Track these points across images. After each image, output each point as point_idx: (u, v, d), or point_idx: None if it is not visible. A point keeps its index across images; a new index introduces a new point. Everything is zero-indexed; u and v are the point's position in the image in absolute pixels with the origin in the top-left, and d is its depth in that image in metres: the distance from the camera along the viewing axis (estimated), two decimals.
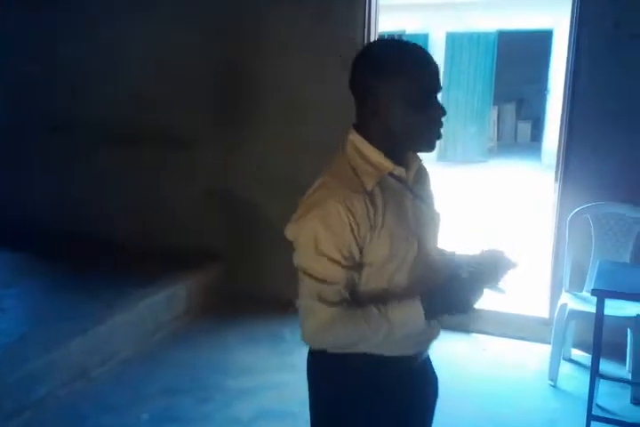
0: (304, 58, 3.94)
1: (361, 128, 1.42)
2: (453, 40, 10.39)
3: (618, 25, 3.32)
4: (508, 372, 3.39)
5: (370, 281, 1.40)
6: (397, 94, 1.34)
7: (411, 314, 1.35)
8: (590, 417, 2.68)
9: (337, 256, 1.33)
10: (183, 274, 3.98)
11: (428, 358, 1.62)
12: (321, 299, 1.33)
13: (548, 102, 10.30)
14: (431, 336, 1.53)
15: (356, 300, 1.39)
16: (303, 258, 1.38)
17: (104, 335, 3.29)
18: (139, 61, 4.34)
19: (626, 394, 3.08)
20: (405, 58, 1.35)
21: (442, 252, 1.59)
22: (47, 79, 4.62)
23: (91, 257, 4.18)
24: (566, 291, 3.38)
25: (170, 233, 4.38)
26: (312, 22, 3.87)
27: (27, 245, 4.35)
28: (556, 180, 3.63)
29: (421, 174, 1.55)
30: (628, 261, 3.33)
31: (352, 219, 1.31)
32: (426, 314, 1.35)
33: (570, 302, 3.25)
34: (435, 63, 1.38)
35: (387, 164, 1.40)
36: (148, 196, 4.44)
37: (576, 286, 3.40)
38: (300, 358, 3.75)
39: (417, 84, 1.34)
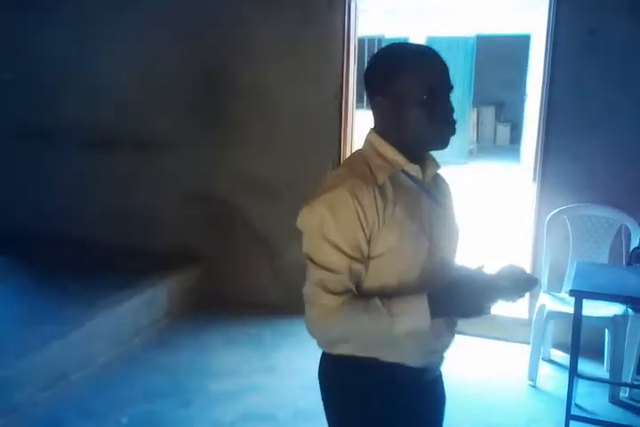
0: (285, 60, 3.94)
1: (377, 128, 1.46)
2: (433, 45, 10.37)
3: (593, 32, 3.37)
4: (487, 372, 3.41)
5: (378, 276, 1.38)
6: (405, 92, 1.37)
7: (415, 309, 1.31)
8: (569, 417, 2.71)
9: (342, 244, 1.32)
10: (163, 276, 3.96)
11: (440, 377, 1.59)
12: (324, 287, 1.33)
13: (526, 106, 10.42)
14: (442, 346, 1.49)
15: (362, 295, 1.37)
16: (309, 243, 1.37)
17: (83, 339, 3.25)
18: (116, 65, 4.31)
19: (604, 393, 3.12)
20: (412, 57, 1.39)
21: (460, 266, 1.55)
22: (22, 85, 4.58)
23: (69, 260, 4.13)
24: (545, 292, 3.41)
25: (150, 236, 4.35)
26: (294, 25, 3.88)
27: (4, 248, 4.29)
28: (534, 182, 3.67)
29: (440, 183, 1.56)
30: (606, 261, 3.37)
31: (359, 207, 1.32)
32: (432, 312, 1.30)
33: (548, 302, 3.28)
34: (442, 62, 1.41)
35: (400, 160, 1.41)
36: (128, 198, 4.41)
37: (554, 286, 3.44)
38: (280, 360, 3.77)
39: (423, 82, 1.36)
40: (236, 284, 4.20)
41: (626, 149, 3.41)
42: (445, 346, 1.51)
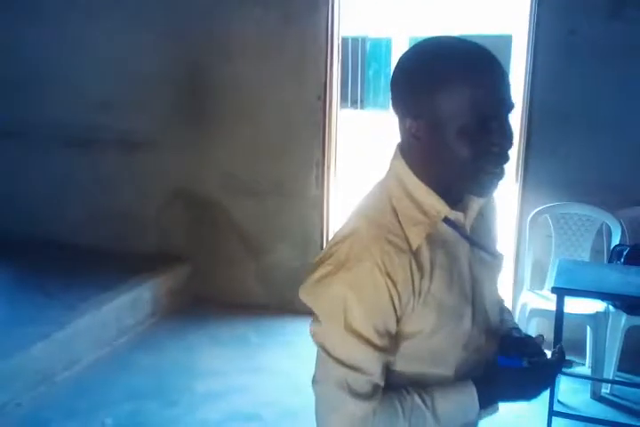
0: (269, 60, 3.94)
1: (406, 156, 1.09)
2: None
3: (573, 32, 3.42)
4: None
5: (410, 360, 1.09)
6: (442, 116, 0.99)
7: (464, 406, 1.07)
8: (551, 413, 2.74)
9: (371, 335, 1.02)
10: (148, 277, 3.94)
11: None
12: (350, 390, 1.02)
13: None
14: (484, 414, 1.18)
15: (390, 382, 1.07)
16: (327, 334, 1.05)
17: (67, 340, 3.24)
18: (97, 63, 4.28)
19: (586, 390, 3.16)
20: (464, 65, 0.99)
21: (502, 318, 1.27)
22: (2, 84, 4.53)
23: (51, 261, 4.11)
24: (527, 290, 3.45)
25: (134, 236, 4.34)
26: (277, 25, 3.88)
27: None
28: (516, 181, 3.71)
29: (485, 208, 1.19)
30: (588, 259, 3.42)
31: (392, 287, 1.00)
32: (481, 403, 1.08)
33: (531, 300, 3.32)
34: (503, 72, 1.01)
35: (441, 207, 1.07)
36: (112, 198, 4.39)
37: (537, 284, 3.47)
38: (266, 360, 3.78)
39: (475, 103, 0.97)
40: (221, 284, 4.20)
41: (606, 148, 3.46)
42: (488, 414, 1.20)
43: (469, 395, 1.07)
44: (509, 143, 1.01)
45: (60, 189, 4.52)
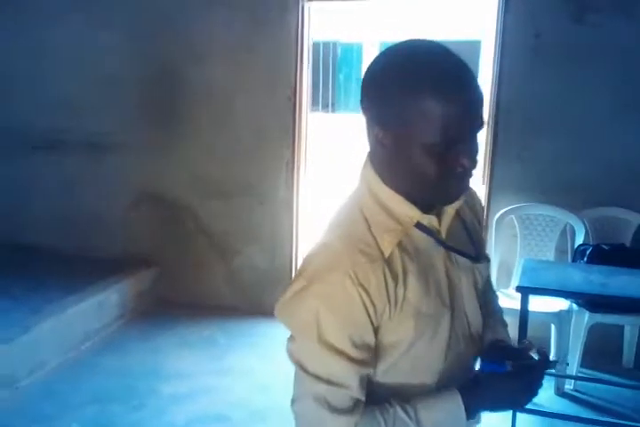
0: (238, 62, 3.94)
1: (375, 164, 1.07)
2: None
3: (538, 35, 3.49)
4: None
5: (390, 371, 1.06)
6: (410, 130, 0.95)
7: (450, 415, 1.04)
8: (516, 409, 2.78)
9: (347, 347, 0.99)
10: (114, 280, 3.91)
11: None
12: (329, 406, 1.00)
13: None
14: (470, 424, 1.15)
15: (370, 395, 1.04)
16: (301, 350, 1.03)
17: (31, 344, 3.19)
18: (62, 65, 4.24)
19: (550, 386, 3.21)
20: (431, 78, 0.94)
21: (496, 329, 1.24)
22: None
23: (16, 264, 4.05)
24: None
25: (100, 239, 4.29)
26: (247, 27, 3.89)
27: None
28: (482, 183, 3.76)
29: (463, 207, 1.16)
30: (552, 259, 3.48)
31: (365, 296, 0.98)
32: (467, 411, 1.04)
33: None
34: (475, 86, 0.96)
35: (412, 213, 1.04)
36: (77, 201, 4.34)
37: (503, 283, 3.52)
38: (234, 361, 3.76)
39: (440, 122, 0.93)
40: (189, 286, 4.18)
41: (570, 150, 3.53)
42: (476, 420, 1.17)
43: (455, 403, 1.04)
44: (474, 164, 0.99)
45: (25, 191, 4.45)
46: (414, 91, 0.93)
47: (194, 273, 4.20)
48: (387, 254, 1.01)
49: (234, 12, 3.90)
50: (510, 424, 2.76)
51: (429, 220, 1.06)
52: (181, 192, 4.18)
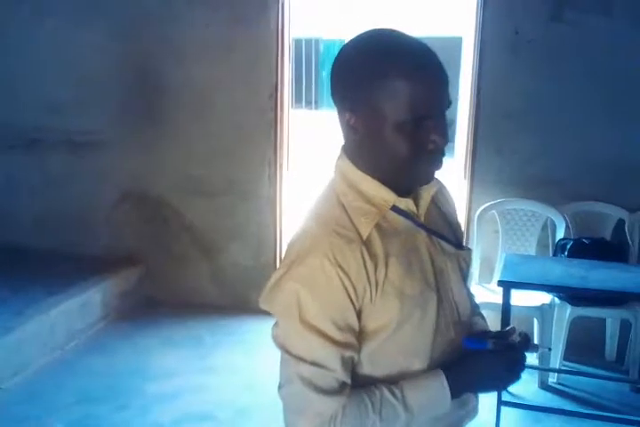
0: (219, 60, 3.93)
1: (348, 151, 1.10)
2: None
3: (517, 32, 3.52)
4: None
5: (378, 357, 1.07)
6: (380, 111, 0.99)
7: (434, 393, 1.06)
8: (500, 403, 2.80)
9: (329, 329, 1.00)
10: (98, 279, 3.87)
11: None
12: (316, 388, 1.01)
13: (459, 105, 10.69)
14: (465, 417, 1.19)
15: (359, 379, 1.06)
16: (285, 333, 1.04)
17: (14, 345, 3.17)
18: (44, 64, 4.19)
19: (534, 380, 3.24)
20: (397, 60, 0.99)
21: (475, 322, 1.25)
22: None
23: None
24: (477, 284, 3.53)
25: (84, 238, 4.26)
26: (225, 25, 3.87)
27: None
28: (464, 178, 3.79)
29: (439, 198, 1.20)
30: (534, 253, 3.52)
31: (345, 277, 0.99)
32: (452, 392, 1.06)
33: (479, 294, 3.39)
34: (441, 67, 1.02)
35: (388, 196, 1.06)
36: (59, 200, 4.30)
37: (485, 278, 3.55)
38: (220, 359, 3.75)
39: (410, 99, 0.97)
40: (174, 285, 4.17)
41: (549, 145, 3.56)
42: (469, 416, 1.21)
43: (438, 381, 1.06)
44: (445, 140, 1.01)
45: (6, 190, 4.40)
46: (381, 72, 0.98)
47: (178, 271, 4.19)
48: (364, 236, 1.02)
49: (214, 9, 3.89)
50: (495, 418, 2.79)
51: (406, 203, 1.09)
52: (165, 190, 4.17)
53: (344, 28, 10.41)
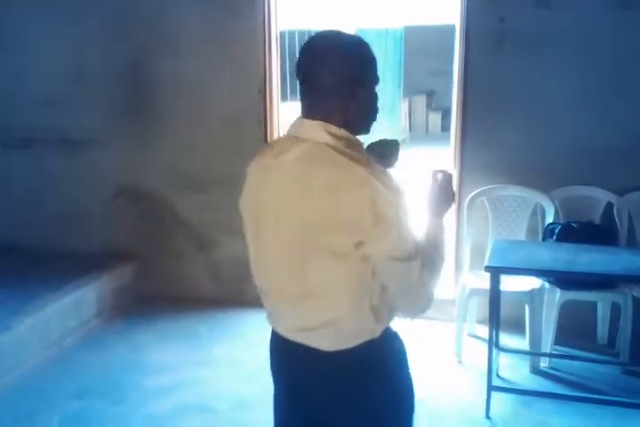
0: (209, 55, 3.94)
1: (335, 120, 1.40)
2: (363, 36, 10.60)
3: (502, 20, 3.51)
4: (417, 350, 3.50)
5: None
6: (373, 81, 1.45)
7: (443, 231, 1.54)
8: (490, 388, 2.83)
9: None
10: (93, 276, 3.90)
11: None
12: (423, 264, 1.40)
13: (453, 94, 10.68)
14: None
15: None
16: (400, 232, 1.37)
17: (10, 342, 3.20)
18: (38, 61, 4.21)
19: (525, 364, 3.27)
20: (371, 48, 1.47)
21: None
22: None
23: None
24: (468, 271, 3.55)
25: (78, 235, 4.28)
26: (215, 20, 3.88)
27: None
28: (454, 166, 3.80)
29: None
30: (524, 238, 3.53)
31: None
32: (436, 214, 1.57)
33: (470, 280, 3.42)
34: None
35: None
36: (54, 197, 4.33)
37: (477, 265, 3.56)
38: (218, 352, 3.76)
39: (376, 73, 1.46)
40: (169, 280, 4.19)
41: (537, 132, 3.57)
42: None
43: (437, 218, 1.57)
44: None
45: (1, 188, 4.43)
46: (372, 57, 1.44)
47: (173, 267, 4.21)
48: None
49: (202, 3, 3.90)
50: (485, 403, 2.81)
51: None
52: (158, 186, 4.19)
53: (336, 20, 10.36)
